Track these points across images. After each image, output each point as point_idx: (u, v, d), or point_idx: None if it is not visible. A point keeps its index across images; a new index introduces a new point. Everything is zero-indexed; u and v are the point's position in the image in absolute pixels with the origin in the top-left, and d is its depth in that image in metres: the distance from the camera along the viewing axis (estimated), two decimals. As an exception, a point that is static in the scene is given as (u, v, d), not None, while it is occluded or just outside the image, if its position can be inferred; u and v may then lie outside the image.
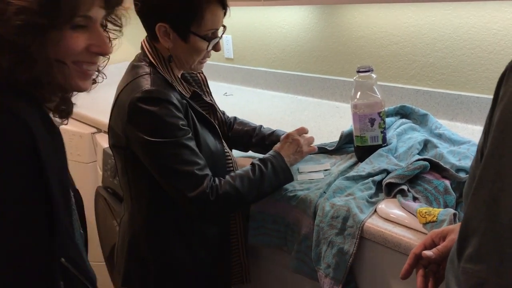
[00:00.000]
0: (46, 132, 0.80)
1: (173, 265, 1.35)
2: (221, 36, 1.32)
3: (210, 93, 1.49)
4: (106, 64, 1.00)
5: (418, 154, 1.38)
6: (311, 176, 1.39)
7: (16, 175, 0.77)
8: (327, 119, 1.90)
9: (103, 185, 2.01)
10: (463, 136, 1.51)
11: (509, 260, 0.54)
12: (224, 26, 1.33)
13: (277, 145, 1.39)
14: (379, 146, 1.42)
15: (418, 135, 1.50)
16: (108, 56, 0.94)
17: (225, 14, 1.29)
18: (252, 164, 1.30)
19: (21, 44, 0.78)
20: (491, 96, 0.64)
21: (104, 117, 2.14)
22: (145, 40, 1.32)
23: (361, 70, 1.41)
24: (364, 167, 1.34)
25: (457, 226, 0.90)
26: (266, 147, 1.51)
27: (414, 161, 1.27)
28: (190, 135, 1.23)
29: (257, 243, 1.39)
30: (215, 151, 1.31)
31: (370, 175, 1.30)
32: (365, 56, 1.95)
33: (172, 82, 1.27)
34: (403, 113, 1.65)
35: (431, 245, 0.92)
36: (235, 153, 1.56)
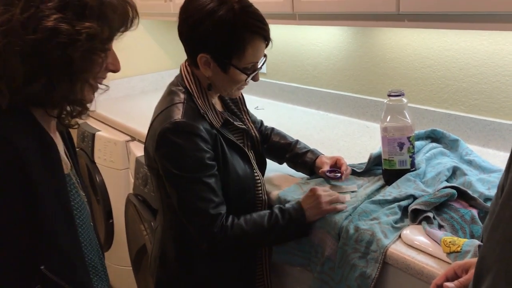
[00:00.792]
0: (39, 153, 0.86)
1: (199, 284, 1.39)
2: (261, 67, 1.33)
3: (247, 111, 1.51)
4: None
5: (446, 181, 1.38)
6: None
7: (4, 196, 0.83)
8: (356, 139, 1.91)
9: (134, 192, 2.07)
10: (494, 163, 1.50)
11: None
12: (265, 55, 1.34)
13: (301, 198, 1.36)
14: (407, 171, 1.42)
15: (448, 161, 1.50)
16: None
17: (267, 46, 1.31)
18: (271, 212, 1.30)
19: (78, 67, 0.85)
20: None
21: (138, 126, 2.20)
22: (185, 65, 1.36)
23: (392, 94, 1.41)
24: (391, 192, 1.35)
25: (479, 260, 0.90)
26: (298, 166, 1.55)
27: (442, 188, 1.27)
28: (212, 171, 1.26)
29: (281, 262, 1.41)
30: (243, 176, 1.34)
31: (396, 200, 1.31)
32: (397, 77, 1.95)
33: (204, 113, 1.29)
34: (433, 137, 1.64)
35: (453, 277, 0.92)
36: (270, 163, 1.59)
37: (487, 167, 1.47)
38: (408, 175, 1.40)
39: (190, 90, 1.31)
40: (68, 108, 0.94)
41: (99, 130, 2.41)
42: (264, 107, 2.42)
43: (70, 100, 0.91)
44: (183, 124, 1.24)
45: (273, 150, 1.61)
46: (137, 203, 1.97)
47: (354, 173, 1.54)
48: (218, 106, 1.43)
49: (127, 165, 2.28)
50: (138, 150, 2.12)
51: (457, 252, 1.06)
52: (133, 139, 2.27)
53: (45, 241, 0.88)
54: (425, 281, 1.08)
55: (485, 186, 1.35)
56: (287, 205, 1.33)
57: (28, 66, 0.83)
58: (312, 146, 1.61)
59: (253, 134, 1.48)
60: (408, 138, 1.40)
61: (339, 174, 1.44)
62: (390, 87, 1.98)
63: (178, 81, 1.35)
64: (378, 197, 1.34)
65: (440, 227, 1.20)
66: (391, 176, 1.42)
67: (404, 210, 1.28)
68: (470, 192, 1.27)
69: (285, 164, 1.61)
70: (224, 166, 1.30)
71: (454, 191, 1.25)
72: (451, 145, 1.60)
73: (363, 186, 1.46)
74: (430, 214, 1.22)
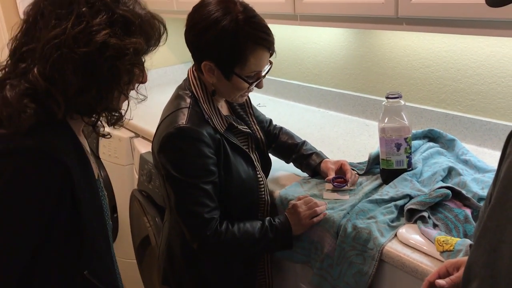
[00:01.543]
0: (80, 168, 0.93)
1: (202, 279, 1.44)
2: (265, 75, 1.36)
3: (254, 114, 1.55)
4: None
5: (442, 181, 1.42)
6: (335, 196, 1.45)
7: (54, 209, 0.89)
8: (356, 137, 1.95)
9: (138, 188, 2.11)
10: (489, 163, 1.54)
11: (505, 306, 0.59)
12: (271, 62, 1.37)
13: (287, 211, 1.41)
14: (404, 170, 1.46)
15: (444, 160, 1.54)
16: None
17: (271, 55, 1.34)
18: (262, 223, 1.35)
19: (124, 79, 0.92)
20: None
21: (143, 123, 2.25)
22: (192, 70, 1.39)
23: (390, 96, 1.45)
24: (388, 191, 1.40)
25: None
26: (303, 167, 1.60)
27: (437, 189, 1.31)
28: (212, 178, 1.30)
29: (282, 258, 1.46)
30: (246, 179, 1.39)
31: (393, 199, 1.35)
32: (396, 77, 1.99)
33: (208, 118, 1.33)
34: (431, 136, 1.68)
35: (445, 274, 0.97)
36: (278, 162, 1.64)
37: (482, 167, 1.51)
38: (405, 175, 1.45)
39: (196, 95, 1.35)
40: (105, 117, 1.01)
41: (103, 127, 2.44)
42: (266, 104, 2.46)
43: (110, 109, 0.97)
44: (187, 130, 1.28)
45: (281, 149, 1.66)
46: (142, 199, 2.02)
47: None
48: (225, 109, 1.47)
49: (131, 161, 2.33)
50: (142, 147, 2.17)
51: (450, 251, 1.11)
52: (137, 135, 2.31)
53: (87, 246, 0.95)
54: (419, 278, 1.13)
55: (479, 186, 1.39)
56: (276, 220, 1.38)
57: (80, 77, 0.89)
58: (312, 144, 1.66)
59: (258, 136, 1.51)
60: (405, 139, 1.44)
61: (344, 185, 1.47)
62: (389, 86, 2.02)
63: (186, 85, 1.39)
64: (376, 196, 1.38)
65: (435, 226, 1.25)
66: (389, 175, 1.47)
67: (400, 209, 1.33)
68: (464, 192, 1.31)
69: (291, 164, 1.66)
70: (228, 169, 1.34)
71: (449, 191, 1.30)
72: (448, 144, 1.64)
73: (362, 185, 1.50)
74: (425, 214, 1.26)
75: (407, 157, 1.46)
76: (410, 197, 1.35)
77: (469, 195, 1.31)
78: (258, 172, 1.45)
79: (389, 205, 1.34)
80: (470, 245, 1.10)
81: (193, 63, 1.39)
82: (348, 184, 1.47)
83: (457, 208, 1.28)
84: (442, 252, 1.13)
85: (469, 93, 1.77)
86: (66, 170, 0.88)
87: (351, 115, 2.19)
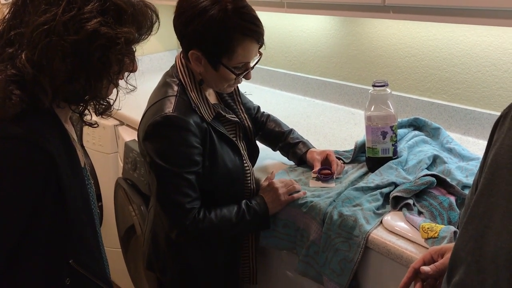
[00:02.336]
0: (66, 157, 0.91)
1: (186, 265, 1.44)
2: (253, 66, 1.35)
3: (241, 101, 1.54)
4: None
5: (427, 169, 1.43)
6: (322, 184, 1.45)
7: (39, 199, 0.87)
8: (342, 125, 1.96)
9: (123, 176, 2.10)
10: (473, 151, 1.56)
11: (490, 291, 0.60)
12: (260, 54, 1.35)
13: (261, 190, 1.43)
14: (390, 158, 1.47)
15: (429, 149, 1.55)
16: None
17: (260, 46, 1.32)
18: (239, 207, 1.35)
19: (114, 68, 0.90)
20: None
21: (127, 111, 2.22)
22: (180, 57, 1.37)
23: (376, 84, 1.46)
24: (374, 179, 1.40)
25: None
26: (289, 156, 1.60)
27: (422, 176, 1.33)
28: (195, 169, 1.29)
29: (268, 246, 1.46)
30: (232, 168, 1.38)
31: (378, 187, 1.36)
32: (382, 65, 2.00)
33: (195, 107, 1.31)
34: (416, 125, 1.69)
35: (430, 261, 0.98)
36: (265, 150, 1.65)
37: (466, 155, 1.53)
38: (390, 163, 1.46)
39: (184, 83, 1.34)
40: (93, 106, 0.99)
41: (87, 114, 2.41)
42: (252, 93, 2.45)
43: (98, 98, 0.96)
44: (173, 118, 1.26)
45: (268, 137, 1.65)
46: (127, 187, 2.00)
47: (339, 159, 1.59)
48: (213, 98, 1.46)
49: (116, 149, 2.31)
50: (127, 135, 2.15)
51: (435, 238, 1.12)
52: (122, 123, 2.29)
53: (73, 234, 0.93)
54: (404, 265, 1.14)
55: (463, 174, 1.41)
56: (253, 201, 1.38)
57: (68, 66, 0.86)
58: (298, 132, 1.66)
59: (246, 124, 1.51)
60: (391, 127, 1.45)
61: (330, 177, 1.46)
62: (376, 75, 2.02)
63: (173, 72, 1.37)
64: (361, 184, 1.39)
65: (420, 213, 1.26)
66: (374, 163, 1.48)
67: (385, 197, 1.34)
68: (449, 180, 1.33)
69: (278, 152, 1.66)
70: (214, 159, 1.34)
71: (434, 179, 1.31)
72: (433, 133, 1.66)
73: (348, 173, 1.51)
74: (410, 201, 1.27)
75: (392, 145, 1.46)
76: (395, 184, 1.36)
77: (453, 183, 1.32)
78: (244, 161, 1.44)
79: (374, 192, 1.34)
80: (455, 232, 1.12)
81: (181, 50, 1.38)
82: (334, 176, 1.47)
83: (442, 195, 1.29)
84: (426, 239, 1.14)
85: (454, 82, 1.78)
86: (51, 159, 0.86)
87: (337, 103, 2.20)
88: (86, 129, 2.39)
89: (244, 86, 2.54)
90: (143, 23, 0.96)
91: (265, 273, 1.60)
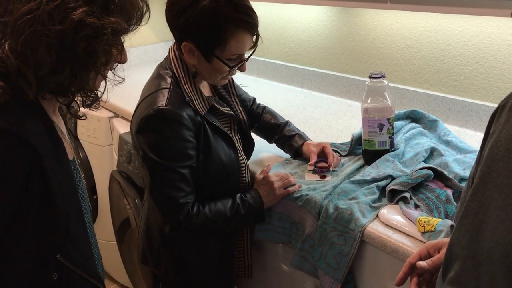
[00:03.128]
0: (51, 149, 0.89)
1: (180, 259, 1.43)
2: (248, 58, 1.32)
3: (236, 94, 1.51)
4: None
5: (424, 161, 1.42)
6: (318, 177, 1.43)
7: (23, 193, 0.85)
8: (339, 117, 1.94)
9: (118, 169, 2.08)
10: (471, 144, 1.54)
11: (485, 286, 0.58)
12: (255, 45, 1.32)
13: (256, 184, 1.41)
14: (387, 151, 1.45)
15: (426, 141, 1.53)
16: None
17: (257, 38, 1.29)
18: (233, 201, 1.33)
19: (101, 59, 0.87)
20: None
21: (121, 103, 2.20)
22: (173, 48, 1.35)
23: (373, 75, 1.44)
24: (370, 172, 1.39)
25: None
26: (285, 148, 1.58)
27: (419, 169, 1.31)
28: (189, 163, 1.27)
29: (263, 239, 1.45)
30: (227, 161, 1.36)
31: (374, 180, 1.34)
32: (380, 57, 1.97)
33: (189, 100, 1.29)
34: (413, 117, 1.68)
35: (426, 255, 0.96)
36: (261, 143, 1.62)
37: (464, 147, 1.51)
38: (387, 156, 1.44)
39: (177, 75, 1.31)
40: (80, 98, 0.97)
41: (79, 107, 2.39)
42: (248, 84, 2.43)
43: (85, 90, 0.93)
44: (166, 112, 1.24)
45: (263, 129, 1.63)
46: (121, 180, 1.98)
47: (336, 152, 1.57)
48: (207, 90, 1.43)
49: (110, 142, 2.29)
50: (121, 127, 2.13)
51: (431, 231, 1.10)
52: (117, 115, 2.27)
53: (60, 229, 0.91)
54: (401, 259, 1.13)
55: (461, 167, 1.39)
56: (247, 195, 1.36)
57: (53, 57, 0.84)
58: (294, 125, 1.64)
59: (241, 117, 1.48)
60: (388, 119, 1.43)
61: (326, 170, 1.45)
62: (373, 66, 2.00)
63: (167, 64, 1.35)
64: (358, 177, 1.37)
65: (416, 207, 1.24)
66: (371, 156, 1.46)
67: (382, 190, 1.32)
68: (446, 172, 1.31)
69: (274, 144, 1.64)
70: (208, 152, 1.32)
71: (431, 172, 1.29)
72: (430, 125, 1.64)
73: (344, 166, 1.49)
74: (407, 194, 1.26)
75: (389, 137, 1.45)
76: (392, 177, 1.35)
77: (450, 176, 1.30)
78: (239, 155, 1.42)
79: (371, 186, 1.33)
80: (451, 226, 1.10)
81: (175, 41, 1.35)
82: (330, 169, 1.45)
83: (439, 188, 1.28)
84: (423, 233, 1.12)
85: (452, 74, 1.76)
86: (34, 152, 0.84)
87: (334, 95, 2.17)
88: (80, 122, 2.37)
89: (240, 78, 2.53)
90: (132, 13, 0.93)
91: (260, 267, 1.59)
